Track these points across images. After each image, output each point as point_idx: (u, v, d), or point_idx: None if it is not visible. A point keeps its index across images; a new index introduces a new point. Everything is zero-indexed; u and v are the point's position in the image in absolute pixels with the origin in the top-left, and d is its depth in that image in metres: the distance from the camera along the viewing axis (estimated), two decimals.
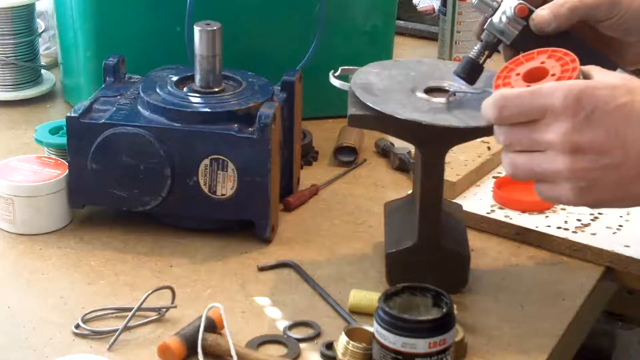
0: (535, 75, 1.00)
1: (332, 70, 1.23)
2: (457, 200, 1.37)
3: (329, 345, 1.10)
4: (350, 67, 1.22)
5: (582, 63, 0.99)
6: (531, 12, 1.12)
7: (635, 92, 0.94)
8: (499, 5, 1.14)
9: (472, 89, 1.17)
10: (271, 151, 1.27)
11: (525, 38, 1.12)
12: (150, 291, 1.14)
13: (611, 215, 1.36)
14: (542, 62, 1.01)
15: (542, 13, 1.11)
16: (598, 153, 0.92)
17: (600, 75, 0.97)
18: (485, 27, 1.15)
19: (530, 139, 0.95)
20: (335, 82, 1.21)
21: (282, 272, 1.26)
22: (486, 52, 1.16)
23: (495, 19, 1.14)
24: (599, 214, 1.36)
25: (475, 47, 1.16)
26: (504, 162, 0.98)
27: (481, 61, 1.16)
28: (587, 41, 1.13)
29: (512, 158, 0.97)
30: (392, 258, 1.20)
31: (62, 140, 1.40)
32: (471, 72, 1.16)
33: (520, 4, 1.12)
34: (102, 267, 1.26)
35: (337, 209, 1.42)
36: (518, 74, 1.02)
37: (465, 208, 1.32)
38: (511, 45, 1.13)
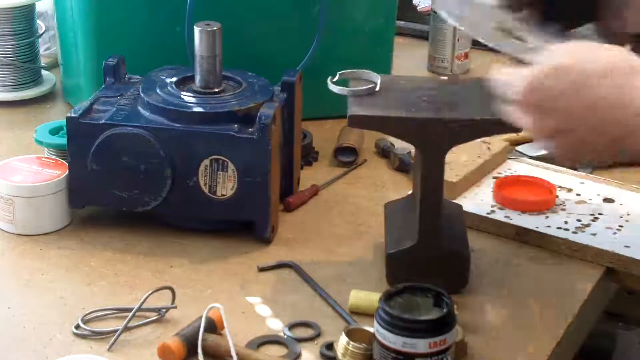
0: None
1: (330, 77, 1.21)
2: (457, 200, 1.37)
3: (329, 346, 1.10)
4: (348, 71, 1.22)
5: None
6: None
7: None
8: None
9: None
10: (271, 151, 1.27)
11: None
12: (150, 291, 1.14)
13: (611, 215, 1.36)
14: None
15: None
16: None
17: None
18: None
19: None
20: (334, 88, 1.19)
21: (282, 272, 1.26)
22: None
23: None
24: (599, 214, 1.36)
25: None
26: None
27: None
28: None
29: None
30: (392, 258, 1.20)
31: (62, 140, 1.40)
32: None
33: None
34: (102, 268, 1.26)
35: (337, 209, 1.42)
36: None
37: (465, 208, 1.32)
38: None
